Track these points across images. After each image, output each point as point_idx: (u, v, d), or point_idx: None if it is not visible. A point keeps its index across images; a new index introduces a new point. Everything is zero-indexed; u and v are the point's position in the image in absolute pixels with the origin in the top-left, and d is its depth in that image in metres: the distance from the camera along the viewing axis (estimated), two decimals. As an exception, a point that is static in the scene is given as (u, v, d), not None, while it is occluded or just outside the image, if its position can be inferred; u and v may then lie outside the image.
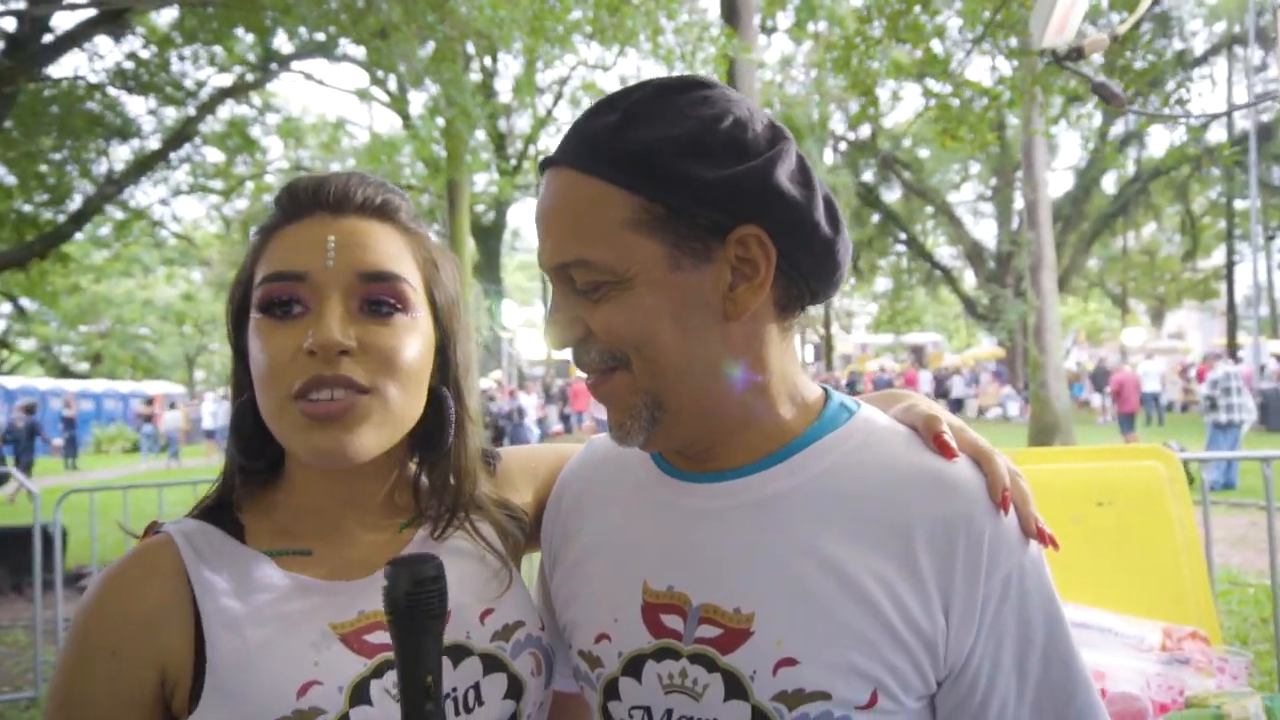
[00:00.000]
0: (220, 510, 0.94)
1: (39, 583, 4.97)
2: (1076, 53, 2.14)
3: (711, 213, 0.80)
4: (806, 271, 0.85)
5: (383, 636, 0.88)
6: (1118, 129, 26.10)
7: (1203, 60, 25.76)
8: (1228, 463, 10.34)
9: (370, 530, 0.95)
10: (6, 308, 35.10)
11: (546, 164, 0.86)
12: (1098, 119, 25.32)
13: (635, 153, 0.79)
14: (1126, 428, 15.70)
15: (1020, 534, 0.83)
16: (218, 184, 20.41)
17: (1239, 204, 29.00)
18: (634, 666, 0.87)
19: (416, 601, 0.72)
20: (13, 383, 27.25)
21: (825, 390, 0.94)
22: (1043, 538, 0.84)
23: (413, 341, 0.90)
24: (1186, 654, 1.93)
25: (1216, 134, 25.57)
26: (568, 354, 0.88)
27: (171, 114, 14.75)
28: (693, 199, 0.79)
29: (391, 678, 0.86)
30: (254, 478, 0.95)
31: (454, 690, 0.89)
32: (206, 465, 19.94)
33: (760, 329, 0.85)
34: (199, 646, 0.84)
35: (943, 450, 0.85)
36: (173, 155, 15.32)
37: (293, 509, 0.94)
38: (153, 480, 5.78)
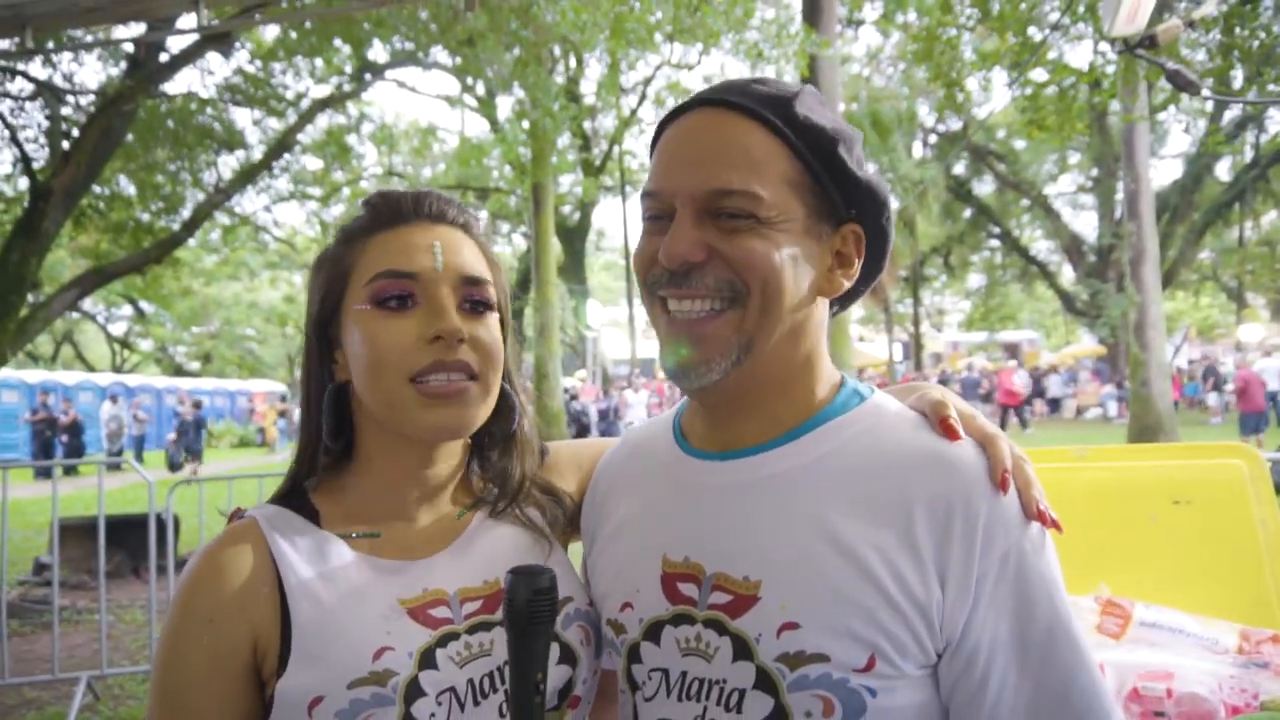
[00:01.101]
0: (295, 496, 1.04)
1: (154, 566, 5.32)
2: (1150, 40, 2.08)
3: (841, 200, 0.92)
4: (864, 277, 0.97)
5: (445, 611, 0.99)
6: (1233, 113, 24.60)
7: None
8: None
9: (433, 514, 1.06)
10: (127, 310, 37.50)
11: (704, 102, 0.93)
12: (1210, 104, 23.92)
13: (808, 125, 0.91)
14: (1249, 428, 14.80)
15: (1020, 515, 0.87)
16: (316, 190, 21.26)
17: (1370, 190, 26.94)
18: (654, 632, 0.95)
19: (534, 609, 0.82)
20: (133, 380, 29.04)
21: (843, 377, 1.01)
22: (1043, 519, 0.88)
23: (499, 337, 1.04)
24: (1265, 657, 1.87)
25: (1344, 115, 23.81)
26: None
27: (274, 125, 15.49)
28: (836, 182, 0.91)
29: (455, 647, 0.97)
30: (330, 461, 1.06)
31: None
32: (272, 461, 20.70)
33: (823, 312, 0.97)
34: (284, 617, 0.94)
35: (947, 433, 0.91)
36: (275, 164, 16.07)
37: (364, 492, 1.04)
38: (253, 472, 6.13)
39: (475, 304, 1.01)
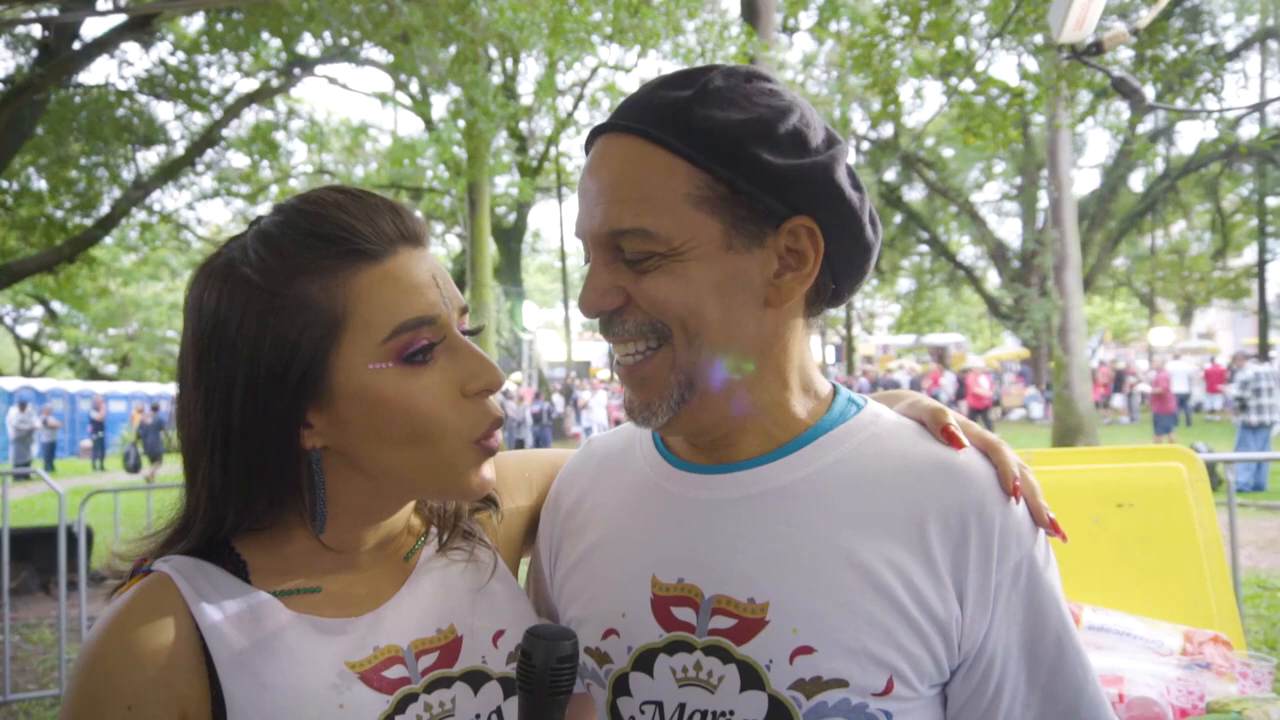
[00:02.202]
0: (215, 546, 0.88)
1: (64, 582, 5.03)
2: (1096, 47, 2.11)
3: (772, 199, 0.82)
4: (841, 271, 0.88)
5: (400, 670, 0.87)
6: (1146, 125, 25.73)
7: (1234, 55, 25.32)
8: (1257, 464, 10.17)
9: (379, 561, 0.94)
10: (38, 311, 35.77)
11: (603, 129, 0.86)
12: (1126, 115, 24.98)
13: (708, 130, 0.81)
14: (1162, 429, 15.45)
15: (1030, 525, 0.84)
16: (243, 188, 20.63)
17: (1271, 200, 28.48)
18: (645, 661, 0.88)
19: (556, 679, 0.75)
20: (44, 385, 27.68)
21: (834, 386, 0.96)
22: (1055, 528, 0.85)
23: None
24: (1208, 659, 1.89)
25: (1249, 130, 25.16)
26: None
27: (198, 120, 14.95)
28: (757, 182, 0.81)
29: (414, 710, 0.86)
30: (265, 518, 0.89)
31: (477, 717, 0.89)
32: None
33: (790, 320, 0.88)
34: (215, 697, 0.81)
35: (951, 441, 0.86)
36: (198, 160, 15.53)
37: (306, 546, 0.89)
38: (175, 481, 5.84)
39: (465, 329, 0.90)
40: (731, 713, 0.82)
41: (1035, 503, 0.85)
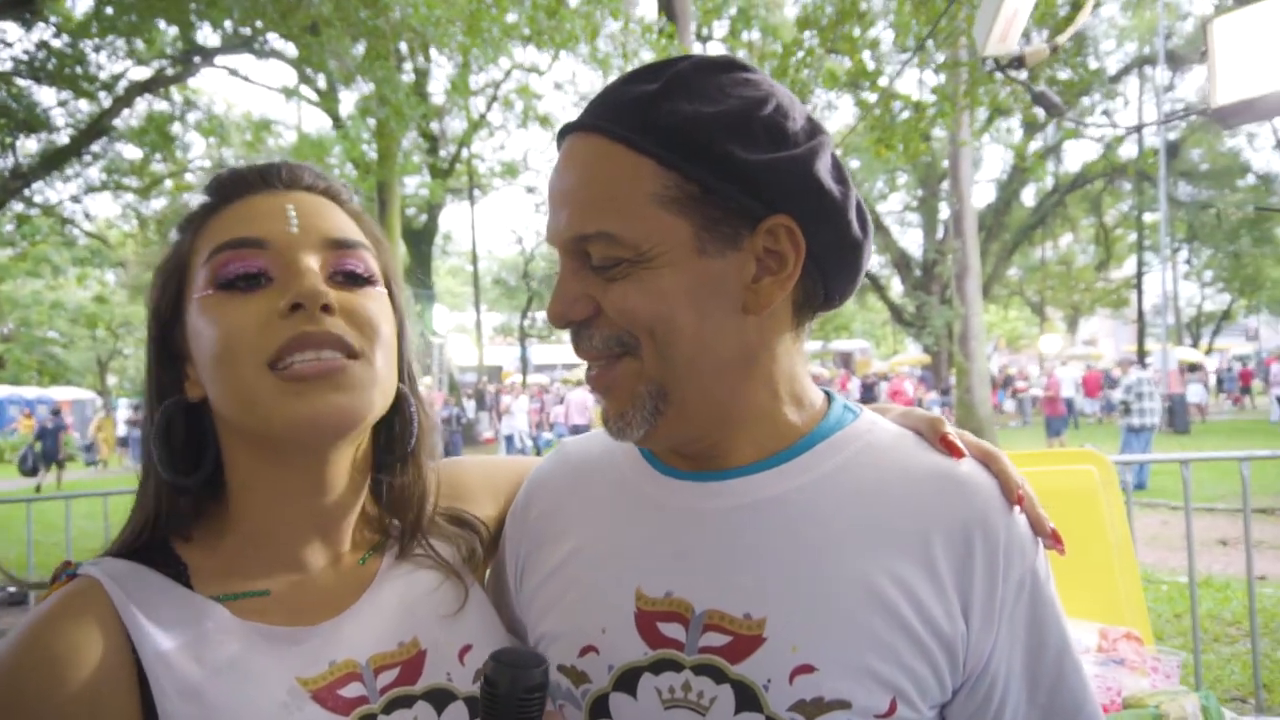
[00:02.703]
0: (153, 548, 0.80)
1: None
2: (1018, 62, 2.19)
3: (746, 197, 0.76)
4: (829, 271, 0.82)
5: (358, 688, 0.80)
6: (1036, 143, 27.09)
7: (1116, 79, 26.92)
8: (1140, 464, 10.78)
9: (331, 562, 0.86)
10: (-100, 308, 33.08)
11: (570, 129, 0.81)
12: (1019, 135, 26.26)
13: (674, 125, 0.75)
14: (1054, 431, 16.23)
15: (1031, 537, 0.82)
16: (134, 182, 19.57)
17: (1148, 217, 30.42)
18: (627, 681, 0.81)
19: (521, 709, 0.68)
20: (-93, 388, 25.64)
21: (828, 394, 0.91)
22: (1056, 540, 0.83)
23: (388, 316, 0.84)
24: (1121, 655, 1.96)
25: (1128, 150, 26.78)
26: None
27: (84, 107, 14.09)
28: (729, 180, 0.76)
29: None
30: (189, 502, 0.83)
31: None
32: (119, 475, 19.07)
33: (775, 327, 0.82)
34: (148, 712, 0.72)
35: (950, 450, 0.83)
36: (85, 150, 14.64)
37: (243, 537, 0.82)
38: (61, 491, 5.46)
39: (349, 276, 0.81)
40: None
41: (1036, 514, 0.83)
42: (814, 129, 0.80)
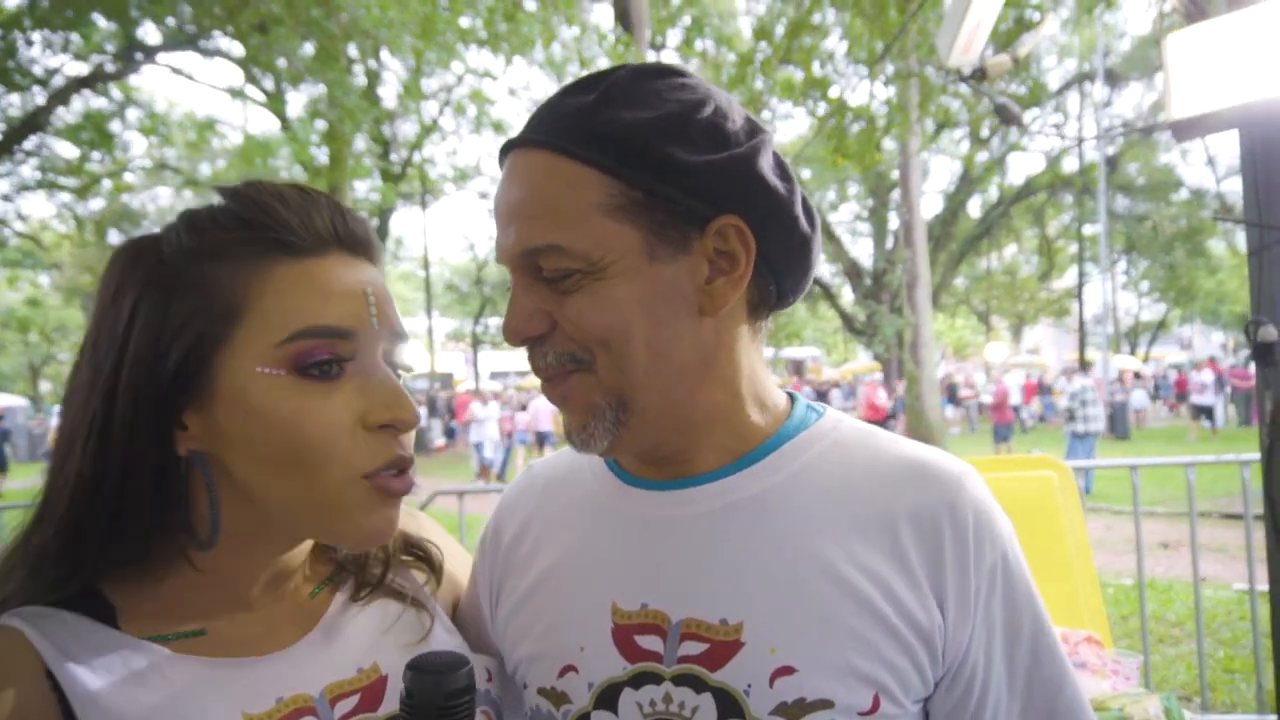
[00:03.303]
0: (73, 591, 0.74)
1: None
2: (980, 73, 2.22)
3: (692, 200, 0.75)
4: (780, 269, 0.81)
5: None
6: (983, 156, 27.78)
7: (1058, 94, 27.74)
8: (1085, 470, 11.07)
9: (277, 598, 0.81)
10: None
11: (511, 146, 0.79)
12: (965, 146, 26.90)
13: (614, 133, 0.74)
14: (1001, 437, 16.54)
15: (1002, 523, 0.81)
16: (70, 181, 18.94)
17: (1088, 229, 31.39)
18: (608, 698, 0.79)
19: (442, 718, 0.63)
20: None
21: (790, 395, 0.91)
22: None
23: None
24: (1083, 658, 1.98)
25: (1069, 164, 27.60)
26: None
27: (16, 102, 13.59)
28: (673, 183, 0.74)
29: None
30: (140, 549, 0.75)
31: None
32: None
33: (732, 328, 0.81)
34: None
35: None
36: (18, 147, 14.12)
37: (183, 583, 0.76)
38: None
39: (393, 365, 0.79)
40: None
41: None
42: (754, 128, 0.80)
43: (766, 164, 0.79)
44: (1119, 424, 18.49)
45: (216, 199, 0.77)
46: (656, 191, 0.75)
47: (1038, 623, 0.81)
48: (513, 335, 0.79)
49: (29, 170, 16.40)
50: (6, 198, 17.59)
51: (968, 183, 28.43)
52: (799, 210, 0.81)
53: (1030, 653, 0.81)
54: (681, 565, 0.80)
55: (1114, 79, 26.71)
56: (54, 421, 22.41)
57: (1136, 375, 23.70)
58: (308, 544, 0.83)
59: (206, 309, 0.72)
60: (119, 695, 0.69)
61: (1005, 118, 2.25)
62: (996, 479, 2.71)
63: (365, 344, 0.75)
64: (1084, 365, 20.64)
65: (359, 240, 0.78)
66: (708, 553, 0.80)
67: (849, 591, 0.76)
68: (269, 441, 0.71)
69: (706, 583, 0.79)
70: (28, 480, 20.15)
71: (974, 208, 32.41)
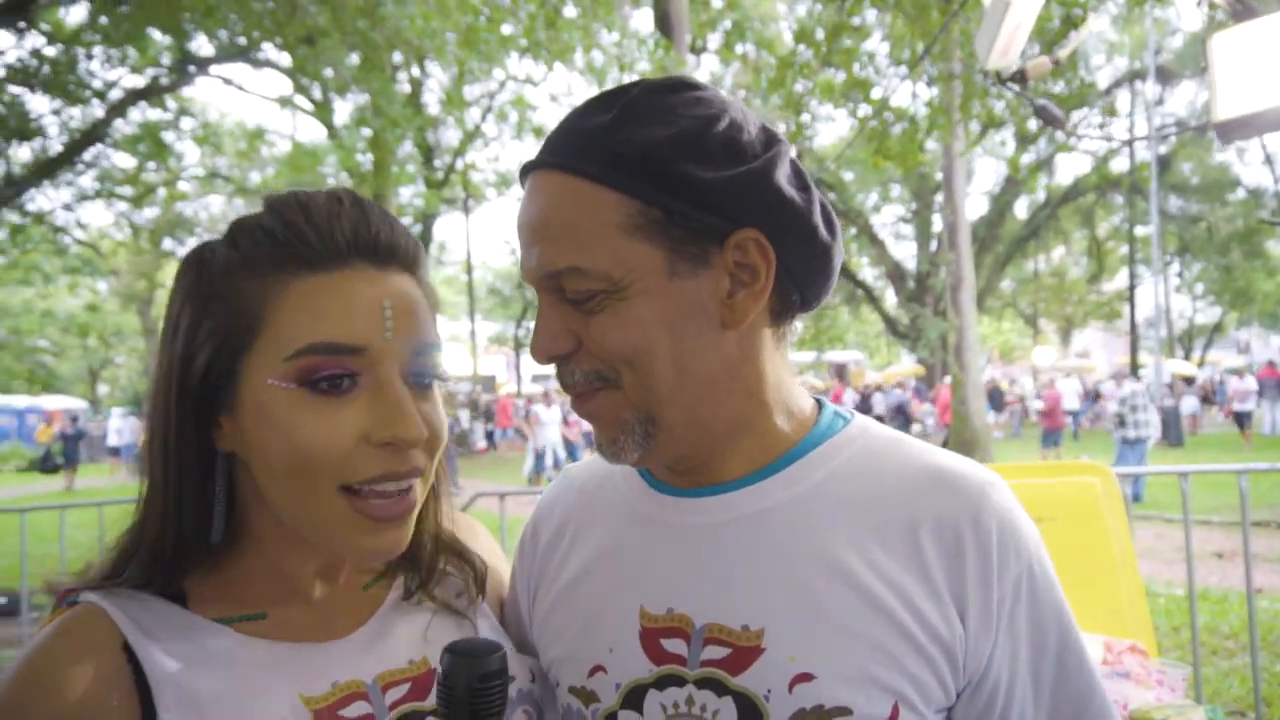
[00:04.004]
0: (155, 581, 0.79)
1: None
2: (1020, 75, 2.20)
3: (709, 216, 0.76)
4: (802, 278, 0.82)
5: (363, 707, 0.79)
6: (1028, 157, 27.30)
7: (1107, 93, 27.14)
8: (1135, 477, 10.80)
9: (330, 588, 0.85)
10: (-110, 317, 32.87)
11: (530, 168, 0.81)
12: (1011, 147, 26.44)
13: (630, 153, 0.75)
14: (1050, 443, 16.18)
15: (1029, 533, 0.81)
16: (127, 190, 19.52)
17: (1140, 230, 30.62)
18: (634, 698, 0.82)
19: (479, 703, 0.66)
20: (-105, 397, 25.44)
21: (818, 400, 0.92)
22: None
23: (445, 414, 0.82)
24: (1126, 667, 1.94)
25: (1118, 164, 26.98)
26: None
27: (78, 115, 14.06)
28: (690, 201, 0.76)
29: None
30: (205, 548, 0.81)
31: None
32: (111, 485, 18.94)
33: (755, 338, 0.82)
34: None
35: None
36: (78, 158, 14.60)
37: (246, 570, 0.82)
38: (53, 501, 5.42)
39: (421, 376, 0.79)
40: None
41: None
42: (770, 139, 0.81)
43: (783, 175, 0.79)
44: (1172, 430, 18.00)
45: (261, 207, 0.81)
46: (674, 210, 0.76)
47: (1065, 635, 0.81)
48: (540, 354, 0.81)
49: (88, 181, 16.94)
50: (68, 207, 18.18)
51: (1013, 184, 27.92)
52: (818, 219, 0.81)
53: (1057, 665, 0.80)
54: (706, 571, 0.82)
55: (1166, 76, 26.06)
56: (111, 423, 23.07)
57: (1187, 380, 23.00)
58: None
59: (233, 321, 0.76)
60: (189, 671, 0.74)
61: (1047, 119, 2.22)
62: (1038, 484, 2.68)
63: (378, 358, 0.76)
64: (1135, 369, 20.15)
65: (385, 250, 0.79)
66: (731, 559, 0.81)
67: (870, 601, 0.76)
68: (274, 450, 0.75)
69: (729, 588, 0.80)
70: (96, 479, 20.80)
71: (1021, 209, 31.84)
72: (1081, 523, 2.33)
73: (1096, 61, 27.47)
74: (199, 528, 0.79)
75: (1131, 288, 32.16)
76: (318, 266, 0.76)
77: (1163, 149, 26.05)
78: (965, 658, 0.78)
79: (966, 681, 0.79)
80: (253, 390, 0.75)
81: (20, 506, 5.40)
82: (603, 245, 0.76)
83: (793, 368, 0.89)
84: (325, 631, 0.83)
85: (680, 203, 0.76)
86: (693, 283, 0.78)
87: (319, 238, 0.76)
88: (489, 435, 25.19)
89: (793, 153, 0.83)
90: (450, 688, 0.66)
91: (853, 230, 32.44)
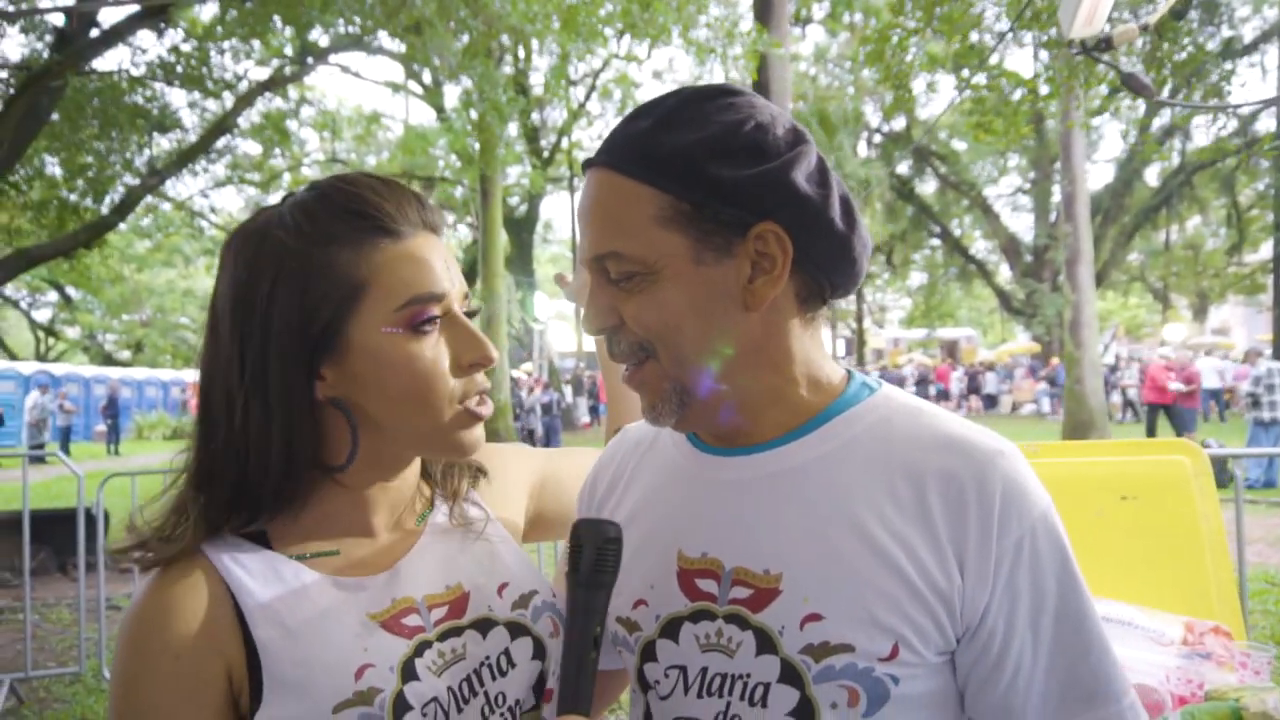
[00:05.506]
0: (242, 524, 0.96)
1: (83, 563, 5.11)
2: (1105, 43, 2.13)
3: (733, 210, 0.87)
4: (824, 266, 0.92)
5: (416, 619, 0.95)
6: (1162, 120, 25.54)
7: (1252, 48, 25.05)
8: (1269, 460, 10.13)
9: (392, 528, 1.02)
10: (53, 296, 36.03)
11: (587, 165, 0.95)
12: (1141, 110, 24.80)
13: (664, 155, 0.87)
14: (1184, 425, 15.07)
15: (1036, 497, 0.88)
16: (255, 176, 20.72)
17: (1287, 197, 28.21)
18: (671, 629, 0.94)
19: (600, 560, 0.85)
20: (59, 369, 27.91)
21: (849, 372, 1.01)
22: None
23: None
24: (1208, 648, 1.91)
25: (1266, 124, 24.92)
26: (596, 346, 0.96)
27: (211, 107, 15.01)
28: (716, 197, 0.87)
29: (429, 656, 0.94)
30: (296, 488, 0.96)
31: (487, 658, 0.98)
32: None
33: (781, 320, 0.92)
34: (248, 646, 0.88)
35: None
36: (212, 148, 15.59)
37: (321, 515, 0.98)
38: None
39: (470, 314, 1.01)
40: (748, 675, 0.88)
41: None
42: (795, 140, 0.90)
43: (802, 173, 0.88)
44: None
45: (312, 190, 0.97)
46: (702, 204, 0.87)
47: (1066, 596, 0.87)
48: (590, 327, 0.95)
49: (221, 168, 18.08)
50: (203, 193, 19.48)
51: (1140, 151, 26.20)
52: (834, 213, 0.90)
53: (1054, 622, 0.87)
54: (736, 521, 0.93)
55: (1321, 28, 23.81)
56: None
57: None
58: (414, 479, 1.05)
59: (340, 285, 0.90)
60: (277, 602, 0.91)
61: (1135, 89, 2.14)
62: (1126, 461, 2.62)
63: (451, 304, 0.95)
64: (1278, 347, 18.71)
65: (434, 221, 0.97)
66: (758, 511, 0.92)
67: (878, 552, 0.86)
68: (396, 381, 0.91)
69: (755, 537, 0.91)
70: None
71: (1151, 176, 29.89)
72: (1168, 502, 2.27)
73: (1242, 13, 25.36)
74: (296, 473, 0.93)
75: (1277, 259, 29.69)
76: (399, 235, 0.93)
77: (1316, 108, 23.86)
78: (962, 607, 0.86)
79: (965, 629, 0.87)
80: (365, 339, 0.91)
81: (167, 470, 5.91)
82: (639, 234, 0.88)
83: (823, 345, 0.99)
84: (384, 562, 0.99)
85: (707, 198, 0.87)
86: (717, 269, 0.88)
87: (398, 214, 0.93)
88: (593, 409, 25.66)
89: (813, 153, 0.92)
90: (581, 547, 0.85)
91: (964, 203, 31.23)
